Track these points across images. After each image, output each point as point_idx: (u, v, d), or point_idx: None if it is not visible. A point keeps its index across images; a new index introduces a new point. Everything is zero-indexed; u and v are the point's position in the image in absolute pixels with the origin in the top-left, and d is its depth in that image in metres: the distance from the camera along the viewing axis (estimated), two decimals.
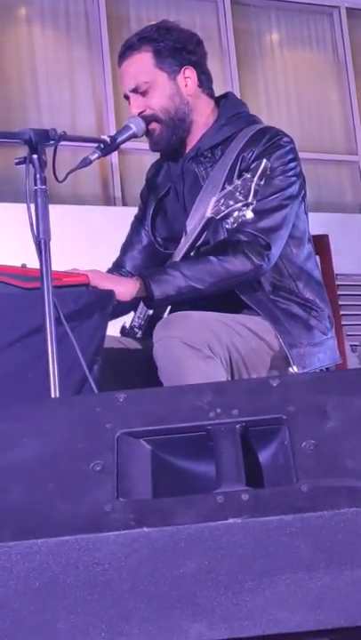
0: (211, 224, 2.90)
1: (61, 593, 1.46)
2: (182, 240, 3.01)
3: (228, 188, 2.79)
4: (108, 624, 1.45)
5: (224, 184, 2.89)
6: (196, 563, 1.45)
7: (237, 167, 2.96)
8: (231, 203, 2.77)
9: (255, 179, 2.74)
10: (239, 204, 2.75)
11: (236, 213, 2.77)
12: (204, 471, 1.62)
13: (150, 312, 3.00)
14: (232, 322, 2.84)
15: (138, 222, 3.33)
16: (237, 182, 2.77)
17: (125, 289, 2.81)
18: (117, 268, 3.33)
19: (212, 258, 2.88)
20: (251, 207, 2.76)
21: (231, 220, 2.79)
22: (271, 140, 3.01)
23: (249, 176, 2.75)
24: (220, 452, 1.59)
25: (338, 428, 1.59)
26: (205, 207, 2.88)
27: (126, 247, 3.36)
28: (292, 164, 3.02)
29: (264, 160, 2.78)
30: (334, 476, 1.51)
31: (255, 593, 1.44)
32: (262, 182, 2.75)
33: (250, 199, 2.74)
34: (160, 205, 3.21)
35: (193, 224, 2.98)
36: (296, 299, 2.99)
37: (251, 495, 1.50)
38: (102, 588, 1.46)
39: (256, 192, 2.73)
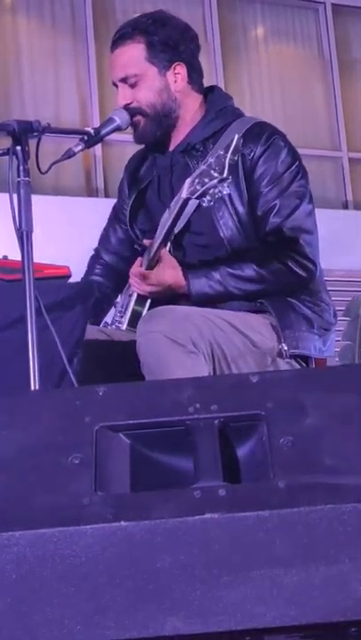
0: (187, 205, 2.90)
1: (38, 585, 1.46)
2: (158, 228, 3.01)
3: (202, 167, 2.80)
4: (85, 617, 1.45)
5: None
6: (173, 557, 1.46)
7: (239, 164, 2.95)
8: (206, 180, 2.77)
9: (228, 154, 2.74)
10: (214, 181, 2.76)
11: (212, 190, 2.78)
12: (183, 466, 1.62)
13: (131, 306, 3.00)
14: (215, 317, 2.85)
15: (114, 214, 3.34)
16: (211, 160, 2.77)
17: (174, 289, 2.91)
18: (96, 258, 3.35)
19: (254, 268, 2.92)
20: (227, 182, 2.77)
21: (208, 197, 2.80)
22: (270, 139, 3.02)
23: (222, 152, 2.75)
24: (199, 448, 1.60)
25: (316, 425, 1.59)
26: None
27: (103, 239, 3.37)
28: (296, 166, 3.05)
29: (236, 135, 2.78)
30: (311, 473, 1.52)
31: (231, 588, 1.45)
32: (235, 157, 2.75)
33: (225, 174, 2.74)
34: (141, 197, 3.20)
35: (165, 215, 2.99)
36: (303, 296, 2.99)
37: (228, 491, 1.50)
38: (79, 580, 1.46)
39: (230, 167, 2.74)
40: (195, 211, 2.96)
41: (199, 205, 2.94)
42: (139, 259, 3.03)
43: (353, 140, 9.66)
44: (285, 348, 2.88)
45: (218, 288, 2.90)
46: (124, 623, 1.45)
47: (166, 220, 2.94)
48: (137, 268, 2.97)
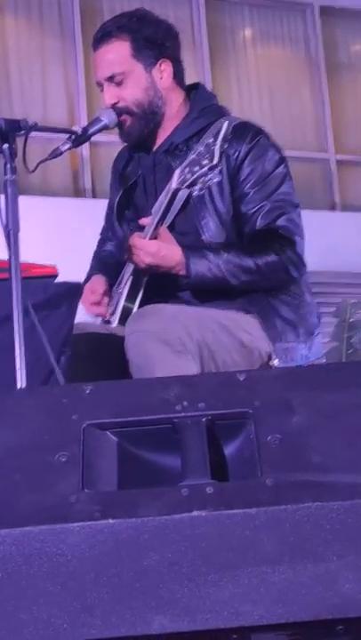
0: (177, 195, 2.90)
1: (24, 584, 1.45)
2: (154, 209, 2.99)
3: (192, 156, 2.79)
4: (71, 615, 1.45)
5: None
6: (160, 555, 1.46)
7: (224, 164, 2.95)
8: (196, 169, 2.77)
9: (218, 141, 2.74)
10: (204, 169, 2.76)
11: (202, 179, 2.78)
12: (170, 464, 1.62)
13: (121, 303, 3.00)
14: (204, 317, 2.85)
15: (110, 209, 3.34)
16: (200, 149, 2.76)
17: (172, 265, 2.89)
18: (101, 246, 3.36)
19: (253, 259, 2.92)
20: (217, 169, 2.77)
21: (198, 185, 2.80)
22: (256, 139, 3.01)
23: (211, 140, 2.75)
24: (186, 445, 1.59)
25: (303, 422, 1.59)
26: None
27: (104, 231, 3.38)
28: (284, 167, 3.05)
29: (225, 122, 2.77)
30: (299, 471, 1.52)
31: (218, 586, 1.44)
32: (225, 145, 2.75)
33: (215, 161, 2.74)
34: (127, 195, 3.20)
35: (159, 201, 2.98)
36: (284, 296, 2.99)
37: (215, 488, 1.50)
38: (66, 579, 1.46)
39: (221, 154, 2.73)
40: (179, 212, 2.95)
41: (186, 203, 2.94)
42: (136, 233, 3.01)
43: (340, 141, 9.68)
44: (276, 364, 2.89)
45: (216, 272, 2.89)
46: (111, 621, 1.45)
47: (160, 204, 2.92)
48: (137, 237, 2.95)
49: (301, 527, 1.46)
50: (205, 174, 2.77)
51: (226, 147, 2.77)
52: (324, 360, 7.14)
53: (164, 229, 2.91)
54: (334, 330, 7.43)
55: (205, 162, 2.75)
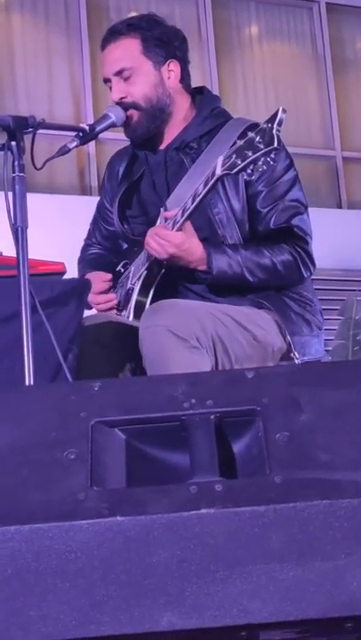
0: (219, 182, 2.86)
1: (33, 580, 1.45)
2: (182, 201, 2.96)
3: (240, 142, 2.72)
4: (80, 612, 1.45)
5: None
6: (169, 552, 1.46)
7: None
8: (250, 154, 2.69)
9: (275, 125, 2.67)
10: (260, 153, 2.67)
11: (257, 163, 2.69)
12: (178, 461, 1.62)
13: (134, 298, 3.00)
14: (217, 312, 2.86)
15: (98, 213, 3.35)
16: (251, 135, 2.69)
17: (193, 259, 2.90)
18: (85, 250, 3.37)
19: (270, 257, 2.95)
20: (274, 153, 2.68)
21: (249, 170, 2.72)
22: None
23: (267, 125, 2.68)
24: (194, 443, 1.59)
25: (312, 420, 1.59)
26: (198, 178, 2.87)
27: (90, 236, 3.39)
28: (294, 169, 3.09)
29: (281, 108, 2.73)
30: (307, 468, 1.52)
31: (227, 583, 1.44)
32: (281, 129, 2.69)
33: (275, 144, 2.66)
34: (131, 193, 3.20)
35: (180, 196, 2.96)
36: (292, 294, 3.02)
37: (224, 486, 1.50)
38: (74, 576, 1.46)
39: (279, 137, 2.68)
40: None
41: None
42: (160, 224, 2.98)
43: (347, 138, 9.67)
44: (297, 356, 2.91)
45: (236, 269, 2.92)
46: (120, 618, 1.45)
47: (195, 195, 2.88)
48: (162, 227, 2.94)
49: (310, 525, 1.46)
50: (259, 158, 2.68)
51: (281, 130, 2.71)
52: (330, 357, 7.14)
53: (188, 223, 2.91)
54: (339, 327, 7.42)
55: (262, 146, 2.66)
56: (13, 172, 2.43)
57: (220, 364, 2.81)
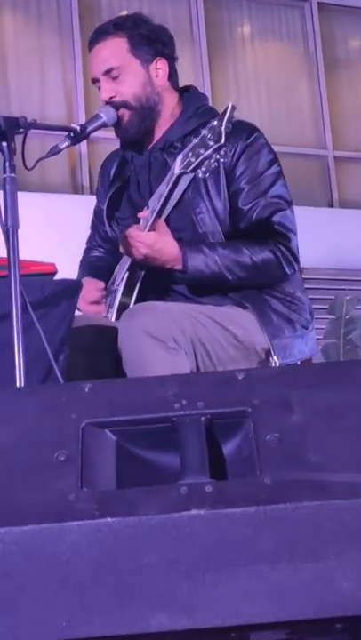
0: (179, 181, 2.89)
1: (23, 582, 1.45)
2: (150, 202, 2.99)
3: (195, 140, 2.78)
4: (70, 613, 1.45)
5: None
6: (159, 553, 1.46)
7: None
8: (202, 151, 2.74)
9: (223, 122, 2.71)
10: (210, 150, 2.72)
11: (207, 161, 2.74)
12: (169, 462, 1.62)
13: (118, 298, 3.00)
14: (196, 313, 2.85)
15: (95, 217, 3.35)
16: (204, 132, 2.75)
17: (168, 259, 2.90)
18: (87, 253, 3.37)
19: (249, 255, 2.93)
20: (224, 149, 2.74)
21: (203, 168, 2.76)
22: (252, 137, 3.03)
23: (216, 122, 2.73)
24: (185, 444, 1.59)
25: (302, 421, 1.60)
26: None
27: (90, 240, 3.39)
28: (278, 165, 3.08)
29: (230, 104, 2.76)
30: (298, 470, 1.52)
31: (217, 584, 1.45)
32: (230, 125, 2.73)
33: (222, 141, 2.71)
34: (118, 195, 3.20)
35: (158, 192, 2.98)
36: (276, 293, 3.01)
37: (214, 487, 1.50)
38: (65, 577, 1.46)
39: (227, 134, 2.72)
40: (173, 208, 2.95)
41: (180, 199, 2.94)
42: (134, 225, 3.00)
43: (338, 138, 9.68)
44: (276, 360, 2.90)
45: (213, 268, 2.90)
46: (110, 620, 1.45)
47: (160, 195, 2.92)
48: (134, 229, 2.95)
49: (300, 526, 1.46)
50: (211, 156, 2.74)
51: (230, 127, 2.75)
52: (321, 356, 7.15)
53: (161, 222, 2.91)
54: (329, 326, 7.42)
55: (211, 143, 2.72)
56: (4, 173, 2.43)
57: (202, 365, 2.80)
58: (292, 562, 1.45)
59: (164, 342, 2.68)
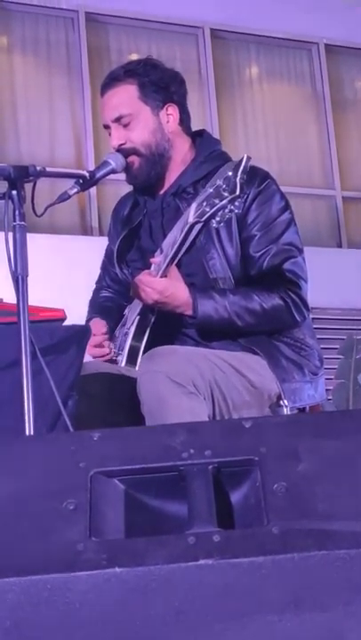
0: (193, 229, 2.91)
1: (32, 632, 1.46)
2: (164, 247, 3.01)
3: (209, 190, 2.81)
4: None
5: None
6: (167, 603, 1.46)
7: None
8: (216, 201, 2.79)
9: (239, 173, 2.75)
10: (225, 201, 2.78)
11: (222, 211, 2.81)
12: (177, 511, 1.63)
13: (128, 342, 3.01)
14: (215, 358, 2.86)
15: (107, 258, 3.38)
16: (219, 182, 2.78)
17: (179, 304, 2.93)
18: (97, 294, 3.39)
19: (258, 301, 2.95)
20: (238, 200, 2.79)
21: (217, 218, 2.82)
22: (264, 183, 3.05)
23: (231, 173, 2.77)
24: (193, 493, 1.60)
25: (309, 470, 1.60)
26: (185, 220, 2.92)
27: (100, 280, 3.41)
28: (290, 212, 3.10)
29: (245, 156, 2.79)
30: (305, 519, 1.52)
31: (224, 635, 1.45)
32: (245, 177, 2.77)
33: (237, 192, 2.76)
34: (131, 237, 3.22)
35: (171, 238, 3.00)
36: (286, 339, 3.02)
37: (222, 536, 1.50)
38: (74, 627, 1.46)
39: (242, 185, 2.75)
40: (185, 253, 2.97)
41: (192, 244, 2.96)
42: (146, 270, 3.03)
43: (346, 178, 9.70)
44: (286, 404, 2.91)
45: (223, 314, 2.92)
46: None
47: (173, 241, 2.94)
48: (146, 274, 2.97)
49: (308, 576, 1.46)
50: (225, 206, 2.79)
51: (246, 178, 2.79)
52: (331, 397, 7.13)
53: (173, 268, 2.93)
54: (340, 367, 7.40)
55: (226, 194, 2.76)
56: (14, 221, 2.45)
57: (218, 410, 2.81)
58: (299, 612, 1.45)
59: (184, 386, 2.69)
